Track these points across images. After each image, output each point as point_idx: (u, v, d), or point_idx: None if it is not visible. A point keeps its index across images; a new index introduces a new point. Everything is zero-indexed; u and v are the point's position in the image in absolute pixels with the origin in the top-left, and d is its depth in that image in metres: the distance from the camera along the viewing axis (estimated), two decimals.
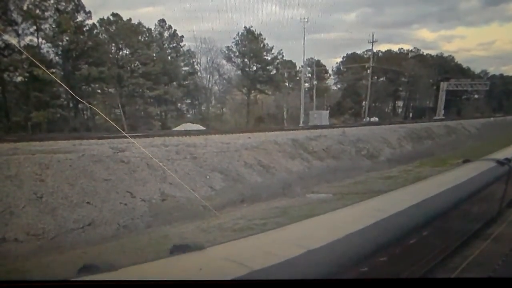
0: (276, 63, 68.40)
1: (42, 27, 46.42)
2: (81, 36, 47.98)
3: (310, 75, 70.61)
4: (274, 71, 68.57)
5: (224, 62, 66.35)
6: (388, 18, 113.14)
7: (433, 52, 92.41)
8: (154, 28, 58.28)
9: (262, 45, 65.95)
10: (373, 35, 66.80)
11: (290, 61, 71.35)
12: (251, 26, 65.06)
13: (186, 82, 59.89)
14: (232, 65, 66.81)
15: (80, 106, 48.03)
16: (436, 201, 8.06)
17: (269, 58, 67.27)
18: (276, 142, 26.60)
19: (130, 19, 53.18)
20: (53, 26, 46.65)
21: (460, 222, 9.48)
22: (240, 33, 65.08)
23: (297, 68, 70.99)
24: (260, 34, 65.50)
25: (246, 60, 65.80)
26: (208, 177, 20.10)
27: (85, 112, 50.01)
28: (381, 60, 76.11)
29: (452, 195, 8.74)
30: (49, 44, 47.43)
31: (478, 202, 10.09)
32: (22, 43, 45.18)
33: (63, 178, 15.80)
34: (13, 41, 44.07)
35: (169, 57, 59.01)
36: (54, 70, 45.64)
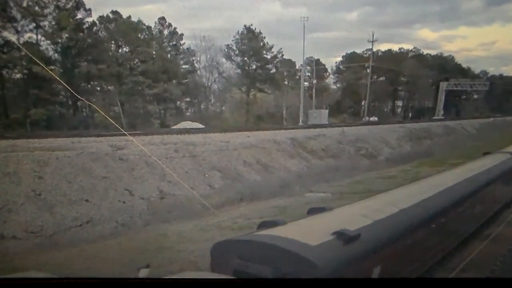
0: (275, 62, 68.44)
1: (42, 24, 46.36)
2: (81, 34, 47.90)
3: (309, 74, 70.66)
4: (273, 70, 68.60)
5: (224, 60, 66.47)
6: (390, 17, 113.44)
7: (434, 52, 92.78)
8: (154, 26, 58.31)
9: (262, 43, 65.94)
10: (373, 35, 66.89)
11: (290, 60, 71.52)
12: (251, 25, 65.15)
13: (186, 80, 59.87)
14: (231, 63, 66.92)
15: (79, 103, 47.94)
16: (469, 183, 10.89)
17: (268, 57, 67.32)
18: (275, 141, 26.60)
19: (129, 17, 53.21)
20: (53, 23, 46.60)
21: (488, 199, 12.38)
22: (240, 32, 65.14)
23: (297, 67, 71.12)
24: (260, 33, 65.61)
25: (245, 58, 65.78)
26: (207, 175, 20.10)
27: (84, 109, 49.89)
28: (381, 59, 76.18)
29: (479, 179, 11.63)
30: (49, 42, 47.42)
31: (499, 186, 13.00)
32: (21, 40, 45.14)
33: (62, 175, 15.78)
34: (13, 38, 44.00)
35: (169, 55, 58.98)
36: (53, 68, 45.45)
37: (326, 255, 5.61)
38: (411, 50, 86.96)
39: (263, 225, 6.62)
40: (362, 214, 7.19)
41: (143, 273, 5.49)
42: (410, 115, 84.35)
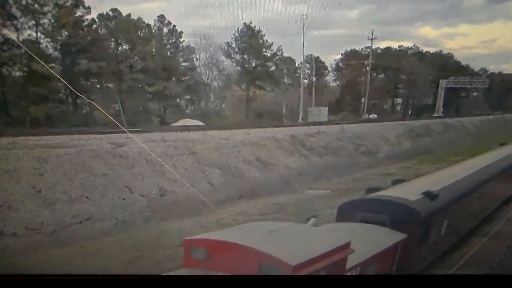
0: (275, 59, 68.33)
1: (41, 21, 46.22)
2: (80, 31, 47.81)
3: (309, 71, 70.56)
4: (273, 68, 68.51)
5: (224, 58, 66.32)
6: (391, 15, 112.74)
7: (434, 50, 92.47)
8: (154, 23, 58.21)
9: (261, 41, 65.84)
10: (372, 32, 66.73)
11: (290, 58, 71.33)
12: (251, 22, 65.03)
13: (185, 78, 59.79)
14: (231, 61, 66.77)
15: (79, 101, 47.92)
16: (497, 164, 15.36)
17: (268, 55, 67.21)
18: (275, 138, 26.61)
19: (129, 15, 53.06)
20: (52, 21, 46.49)
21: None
22: (239, 29, 65.05)
23: (296, 65, 70.96)
24: (260, 31, 65.49)
25: (245, 56, 65.70)
26: (206, 172, 20.11)
27: (84, 107, 49.85)
28: (380, 57, 75.97)
29: (504, 162, 16.02)
30: (48, 39, 47.25)
31: None
32: (21, 38, 45.03)
33: (62, 172, 15.80)
34: (12, 35, 43.93)
35: (169, 53, 58.91)
36: (53, 65, 45.42)
37: (422, 206, 8.72)
38: (410, 47, 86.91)
39: (369, 190, 10.30)
40: (432, 183, 10.53)
41: (311, 222, 7.91)
42: (409, 112, 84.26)
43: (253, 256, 5.44)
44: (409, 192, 9.52)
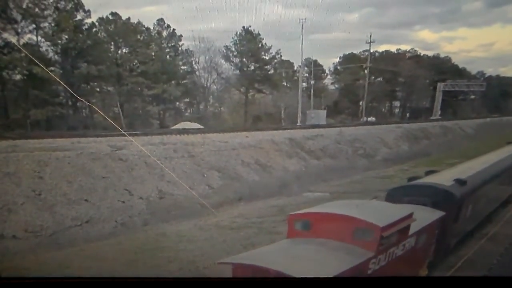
0: (274, 62, 68.35)
1: (42, 25, 46.25)
2: (80, 35, 47.85)
3: (307, 75, 70.59)
4: (272, 71, 68.52)
5: (222, 61, 66.26)
6: (390, 18, 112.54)
7: (432, 53, 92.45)
8: (153, 27, 58.27)
9: (260, 44, 65.85)
10: (370, 36, 66.78)
11: (288, 61, 71.35)
12: (250, 26, 65.05)
13: (185, 81, 59.80)
14: (230, 64, 66.74)
15: (78, 104, 47.86)
16: (508, 159, 17.86)
17: (267, 58, 67.20)
18: (274, 141, 26.66)
19: (129, 18, 53.12)
20: (52, 24, 46.52)
21: None
22: (238, 33, 65.07)
23: (295, 68, 71.02)
24: (259, 34, 65.50)
25: (244, 59, 65.70)
26: (205, 175, 20.17)
27: (83, 110, 49.87)
28: (378, 60, 76.05)
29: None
30: (48, 43, 47.26)
31: None
32: (22, 42, 45.05)
33: (62, 175, 15.85)
34: (13, 39, 43.95)
35: (168, 56, 58.93)
36: (53, 69, 45.43)
37: (456, 190, 10.98)
38: (408, 51, 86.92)
39: (410, 179, 12.73)
40: (459, 173, 12.93)
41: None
42: (407, 115, 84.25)
43: (349, 222, 7.28)
44: (443, 179, 11.91)
